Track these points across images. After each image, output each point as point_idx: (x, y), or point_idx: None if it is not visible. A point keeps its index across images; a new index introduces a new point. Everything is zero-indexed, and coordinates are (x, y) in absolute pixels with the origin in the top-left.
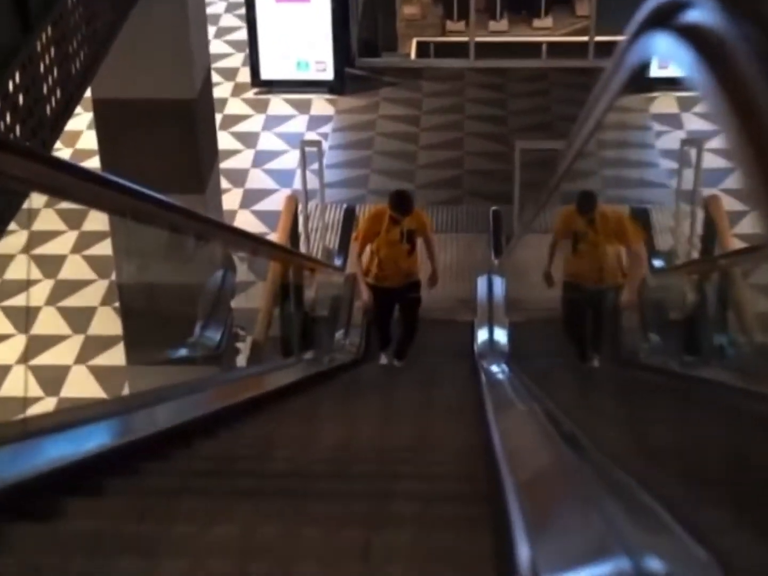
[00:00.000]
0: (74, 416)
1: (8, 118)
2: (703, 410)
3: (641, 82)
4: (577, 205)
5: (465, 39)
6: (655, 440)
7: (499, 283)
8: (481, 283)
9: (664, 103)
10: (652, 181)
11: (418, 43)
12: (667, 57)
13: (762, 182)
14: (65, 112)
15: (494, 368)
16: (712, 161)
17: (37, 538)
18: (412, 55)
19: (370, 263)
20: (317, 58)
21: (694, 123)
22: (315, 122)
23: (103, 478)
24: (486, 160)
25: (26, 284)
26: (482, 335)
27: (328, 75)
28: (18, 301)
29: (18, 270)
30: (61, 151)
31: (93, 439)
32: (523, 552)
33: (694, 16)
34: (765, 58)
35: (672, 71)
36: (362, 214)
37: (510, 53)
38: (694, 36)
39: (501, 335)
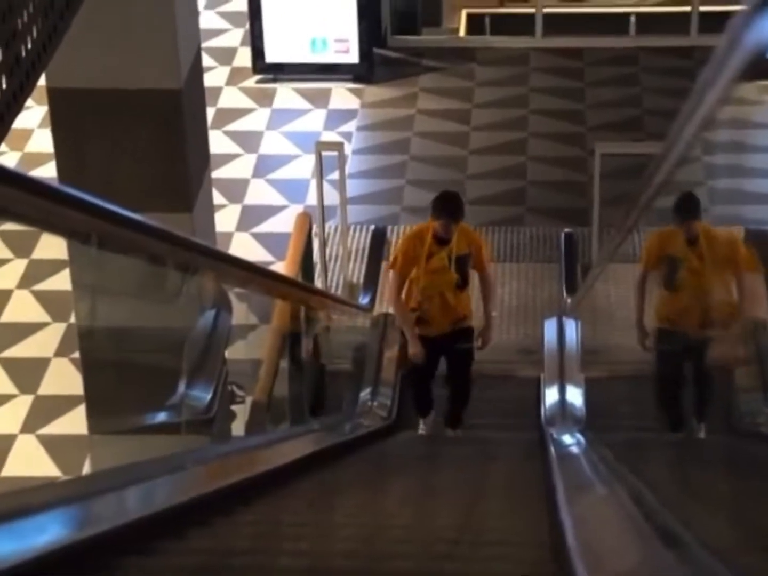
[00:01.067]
0: (17, 502)
1: None
2: None
3: (762, 65)
4: (675, 211)
5: (530, 10)
6: None
7: (573, 328)
8: (550, 327)
9: None
10: None
11: (470, 16)
12: None
13: None
14: (12, 105)
15: (567, 439)
16: None
17: None
18: (462, 32)
19: (407, 300)
20: (338, 35)
21: None
22: (335, 119)
23: None
24: (556, 168)
25: None
26: (551, 396)
27: (353, 58)
28: None
29: None
30: (6, 156)
31: (45, 532)
32: None
33: None
34: None
35: None
36: (396, 237)
37: (588, 28)
38: None
39: (575, 396)
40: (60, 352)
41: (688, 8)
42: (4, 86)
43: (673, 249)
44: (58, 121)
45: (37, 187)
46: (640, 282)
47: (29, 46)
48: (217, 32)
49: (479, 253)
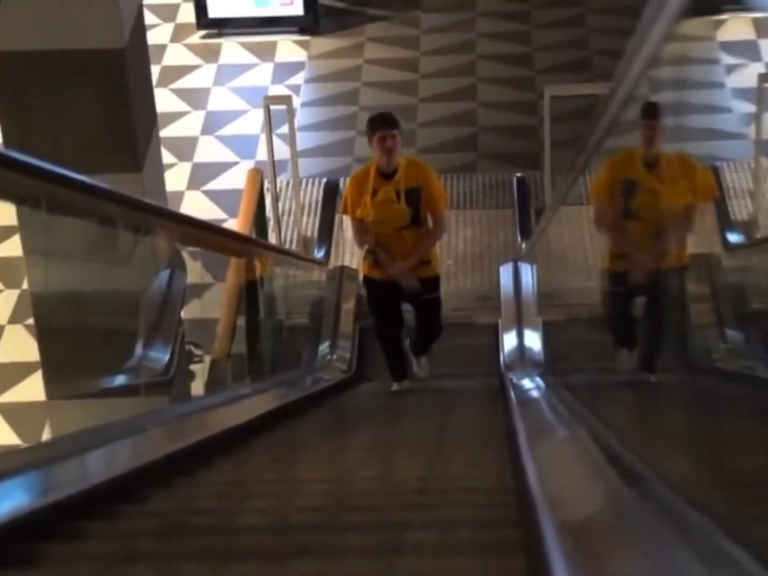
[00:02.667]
0: None
1: None
2: None
3: (705, 1)
4: (642, 112)
5: None
6: (738, 468)
7: (528, 273)
8: (506, 272)
9: (736, 27)
10: (723, 130)
11: None
12: None
13: None
14: None
15: (526, 383)
16: None
17: None
18: None
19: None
20: None
21: None
22: (282, 72)
23: (29, 546)
24: (506, 112)
25: None
26: (510, 341)
27: (297, 9)
28: None
29: None
30: None
31: (5, 500)
32: None
33: None
34: None
35: None
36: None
37: None
38: None
39: (534, 340)
40: (14, 319)
41: None
42: None
43: (629, 172)
44: (1, 86)
45: None
46: (598, 217)
47: None
48: None
49: (429, 190)
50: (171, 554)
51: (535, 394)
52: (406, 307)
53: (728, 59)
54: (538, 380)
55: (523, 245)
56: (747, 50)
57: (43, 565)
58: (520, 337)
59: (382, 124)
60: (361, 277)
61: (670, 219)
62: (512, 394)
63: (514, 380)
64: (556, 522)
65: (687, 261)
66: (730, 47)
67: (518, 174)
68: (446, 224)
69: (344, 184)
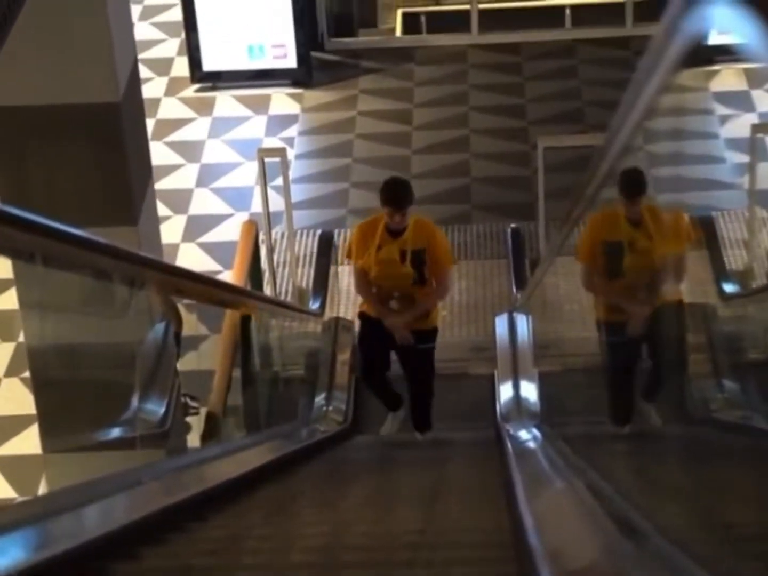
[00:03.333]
0: None
1: None
2: None
3: (700, 52)
4: (621, 189)
5: (465, 7)
6: (738, 521)
7: (524, 323)
8: (501, 323)
9: (729, 78)
10: (717, 179)
11: (405, 15)
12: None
13: None
14: None
15: (523, 434)
16: None
17: None
18: (398, 32)
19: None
20: (274, 40)
21: None
22: (276, 125)
23: None
24: (500, 163)
25: None
26: (506, 392)
27: (290, 62)
28: None
29: None
30: None
31: (5, 556)
32: None
33: None
34: None
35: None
36: (342, 241)
37: (524, 23)
38: None
39: (530, 391)
40: (10, 372)
41: None
42: None
43: (615, 234)
44: None
45: None
46: (586, 278)
47: None
48: (152, 43)
49: (435, 251)
50: None
51: (531, 445)
52: None
53: (722, 110)
54: (535, 431)
55: (518, 296)
56: (740, 101)
57: None
58: (516, 387)
59: (393, 203)
60: (357, 312)
61: (661, 272)
62: (509, 445)
63: (511, 431)
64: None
65: (681, 303)
66: (723, 98)
67: (512, 225)
68: (450, 285)
69: (339, 235)
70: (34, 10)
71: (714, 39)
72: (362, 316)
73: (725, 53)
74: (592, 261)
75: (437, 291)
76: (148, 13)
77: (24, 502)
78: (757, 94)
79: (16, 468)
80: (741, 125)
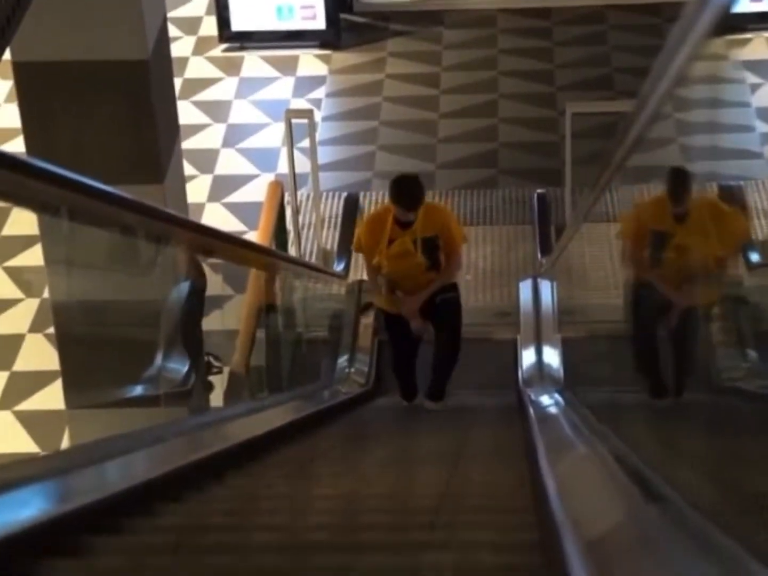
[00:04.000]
0: None
1: None
2: None
3: (729, 20)
4: (667, 190)
5: None
6: (761, 490)
7: (548, 289)
8: (525, 289)
9: (760, 46)
10: (747, 149)
11: None
12: None
13: None
14: None
15: (545, 399)
16: None
17: None
18: None
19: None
20: (303, 1)
21: None
22: (303, 86)
23: (31, 561)
24: (527, 128)
25: None
26: (528, 357)
27: (319, 24)
28: None
29: None
30: None
31: (12, 511)
32: None
33: None
34: None
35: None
36: (368, 204)
37: None
38: None
39: (553, 356)
40: (34, 327)
41: None
42: None
43: (659, 224)
44: (24, 95)
45: (7, 160)
46: (629, 255)
47: None
48: (182, 1)
49: (449, 235)
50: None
51: (553, 410)
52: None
53: (752, 78)
54: (557, 396)
55: (543, 261)
56: None
57: None
58: (539, 353)
59: (406, 204)
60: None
61: (701, 270)
62: (531, 410)
63: (533, 396)
64: (579, 543)
65: (715, 299)
66: (754, 66)
67: (539, 190)
68: (461, 263)
69: (365, 197)
70: None
71: (744, 6)
72: (380, 310)
73: (756, 21)
74: (636, 242)
75: (447, 269)
76: None
77: (46, 456)
78: None
79: (38, 423)
80: None
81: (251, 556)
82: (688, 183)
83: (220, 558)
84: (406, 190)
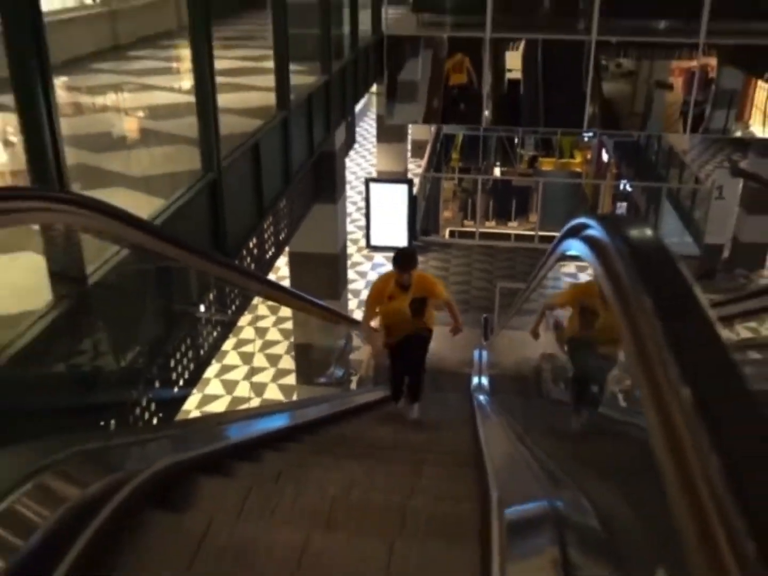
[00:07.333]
0: (254, 412)
1: (248, 261)
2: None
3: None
4: (395, 262)
5: (473, 229)
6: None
7: (485, 354)
8: (476, 353)
9: (571, 266)
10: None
11: (450, 231)
12: (577, 250)
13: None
14: (275, 257)
15: (481, 398)
16: None
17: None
18: (446, 237)
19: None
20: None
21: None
22: None
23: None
24: (482, 291)
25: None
26: (475, 380)
27: (404, 242)
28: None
29: None
30: (270, 275)
31: (271, 423)
32: (493, 493)
33: (590, 232)
34: (624, 256)
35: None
36: None
37: (496, 238)
38: (590, 241)
39: (485, 381)
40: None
41: (533, 232)
42: (272, 251)
43: (590, 301)
44: (292, 266)
45: (273, 285)
46: (546, 308)
47: (283, 234)
48: (350, 232)
49: (436, 296)
50: (334, 453)
51: (484, 402)
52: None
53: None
54: (486, 397)
55: (485, 343)
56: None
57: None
58: (480, 379)
59: (403, 268)
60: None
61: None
62: (475, 402)
63: (476, 396)
64: (490, 455)
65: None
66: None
67: (485, 315)
68: (456, 305)
69: None
70: (310, 215)
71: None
72: (385, 344)
73: (572, 258)
74: (562, 307)
75: (454, 313)
76: (351, 219)
77: (224, 412)
78: (582, 276)
79: (282, 389)
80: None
81: (360, 449)
82: (414, 257)
83: (347, 449)
84: (405, 258)
